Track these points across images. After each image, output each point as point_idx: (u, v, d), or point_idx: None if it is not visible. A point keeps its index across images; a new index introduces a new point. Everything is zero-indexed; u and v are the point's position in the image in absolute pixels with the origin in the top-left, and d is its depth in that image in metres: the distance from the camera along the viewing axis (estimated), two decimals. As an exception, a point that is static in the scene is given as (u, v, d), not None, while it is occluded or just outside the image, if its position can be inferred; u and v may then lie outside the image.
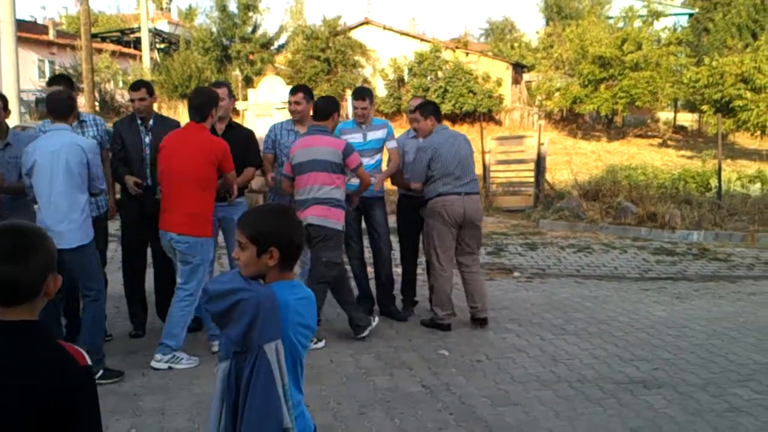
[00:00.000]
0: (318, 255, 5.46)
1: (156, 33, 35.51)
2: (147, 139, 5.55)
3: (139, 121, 5.58)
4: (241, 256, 2.24)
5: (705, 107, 24.27)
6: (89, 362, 1.75)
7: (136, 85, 5.67)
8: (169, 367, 4.91)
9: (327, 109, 5.60)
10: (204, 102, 5.00)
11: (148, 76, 27.05)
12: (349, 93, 7.00)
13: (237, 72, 29.26)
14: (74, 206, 4.58)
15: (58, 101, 4.75)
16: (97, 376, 4.48)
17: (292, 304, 2.18)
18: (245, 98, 14.67)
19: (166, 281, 5.73)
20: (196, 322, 5.51)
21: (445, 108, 28.27)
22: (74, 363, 1.72)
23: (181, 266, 4.99)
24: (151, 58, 32.08)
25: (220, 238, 5.81)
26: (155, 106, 5.92)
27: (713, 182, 13.93)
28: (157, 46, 35.31)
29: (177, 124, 5.79)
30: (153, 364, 4.92)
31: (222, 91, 5.62)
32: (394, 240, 6.54)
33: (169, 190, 4.95)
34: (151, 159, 5.45)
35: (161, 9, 45.66)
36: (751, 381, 4.89)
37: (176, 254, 4.98)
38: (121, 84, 29.70)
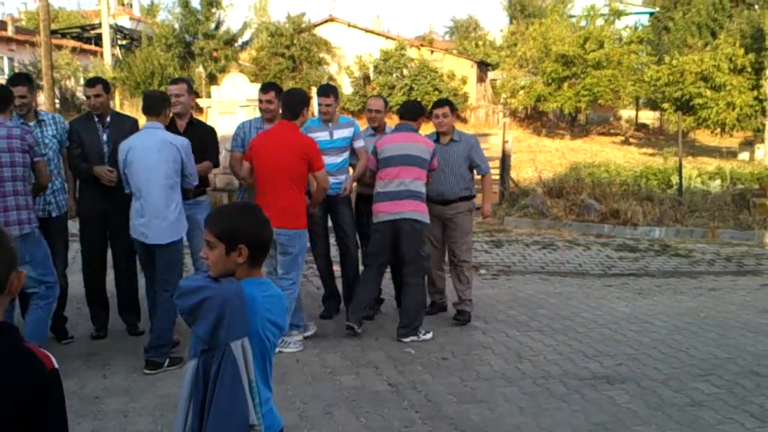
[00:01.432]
0: (417, 249, 5.75)
1: (117, 29, 34.94)
2: (105, 137, 5.44)
3: (96, 119, 5.47)
4: (210, 255, 2.23)
5: (666, 105, 24.69)
6: (56, 365, 1.71)
7: (92, 82, 5.55)
8: (297, 346, 5.36)
9: (414, 109, 6.07)
10: (298, 101, 5.25)
11: (109, 73, 26.60)
12: (314, 91, 6.97)
13: (200, 69, 28.93)
14: (169, 203, 4.87)
15: (152, 99, 5.06)
16: (165, 364, 4.87)
17: (260, 301, 2.18)
18: (209, 95, 14.53)
19: (126, 281, 5.66)
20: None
21: (411, 106, 28.27)
22: (41, 366, 1.68)
23: (282, 258, 5.25)
24: (113, 55, 31.56)
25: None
26: (117, 102, 5.83)
27: (674, 179, 14.16)
28: (119, 42, 34.75)
29: (135, 121, 5.71)
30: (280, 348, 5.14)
31: (180, 88, 5.54)
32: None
33: (265, 187, 5.16)
34: (109, 157, 5.35)
35: (123, 5, 44.92)
36: (711, 375, 4.97)
37: (276, 246, 5.18)
38: (81, 81, 29.17)
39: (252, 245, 2.21)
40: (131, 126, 5.54)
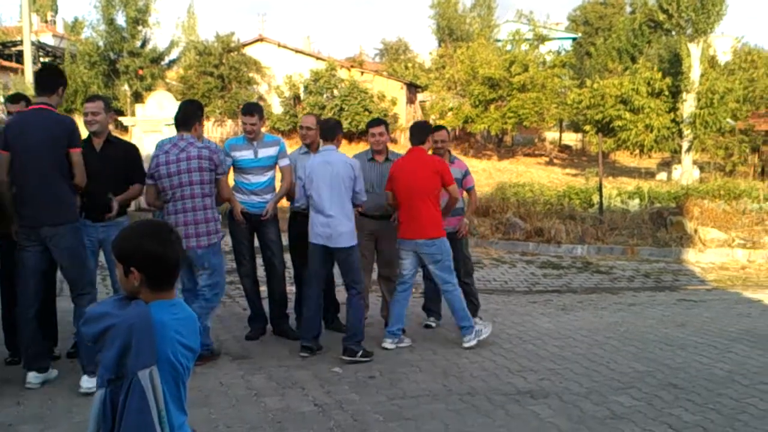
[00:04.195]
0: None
1: (40, 46, 33.90)
2: None
3: None
4: (118, 275, 2.18)
5: (587, 127, 25.47)
6: None
7: (15, 98, 5.47)
8: (477, 342, 5.96)
9: (422, 131, 6.20)
10: (421, 131, 6.13)
11: (30, 91, 25.71)
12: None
13: (126, 87, 28.34)
14: (348, 213, 5.63)
15: (330, 128, 5.81)
16: (358, 355, 5.53)
17: (171, 324, 2.11)
18: (134, 114, 14.25)
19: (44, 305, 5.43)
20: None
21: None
22: None
23: (434, 267, 5.97)
24: (34, 72, 30.59)
25: (103, 258, 5.59)
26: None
27: (595, 198, 14.57)
28: (41, 59, 33.72)
29: None
30: (465, 345, 5.94)
31: (97, 105, 5.35)
32: (287, 258, 6.46)
33: (409, 204, 5.87)
34: None
35: (45, 22, 43.70)
36: (631, 388, 5.10)
37: (421, 257, 5.97)
38: (1, 98, 28.13)
39: (147, 267, 2.13)
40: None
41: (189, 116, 5.35)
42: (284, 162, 6.13)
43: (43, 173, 4.70)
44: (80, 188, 4.92)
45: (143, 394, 2.02)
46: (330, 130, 5.80)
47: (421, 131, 6.18)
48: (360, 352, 5.59)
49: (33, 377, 4.83)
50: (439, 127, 6.87)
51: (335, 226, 5.56)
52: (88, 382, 4.64)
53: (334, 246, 5.61)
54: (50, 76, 5.03)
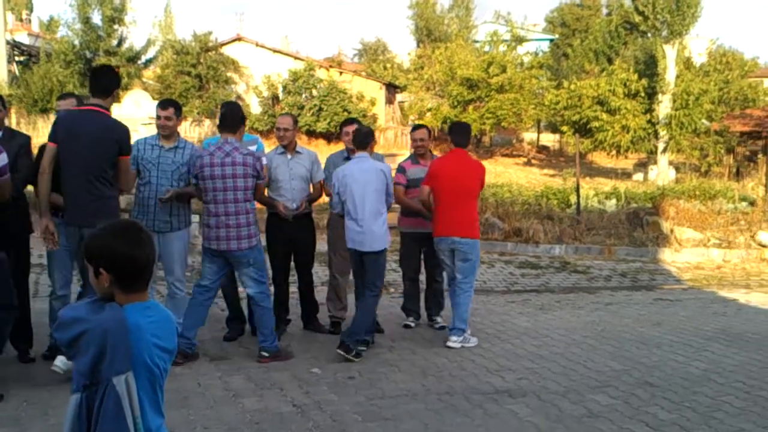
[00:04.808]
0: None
1: (14, 45, 33.50)
2: None
3: None
4: (90, 277, 2.14)
5: (565, 128, 25.62)
6: None
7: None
8: (462, 347, 6.03)
9: (464, 132, 6.45)
10: (463, 132, 6.43)
11: (5, 90, 25.41)
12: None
13: (102, 86, 28.01)
14: (379, 218, 5.83)
15: (363, 136, 5.95)
16: (351, 354, 5.57)
17: (146, 327, 2.08)
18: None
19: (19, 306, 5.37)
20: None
21: (320, 126, 28.40)
22: None
23: (461, 264, 6.12)
24: (9, 71, 30.21)
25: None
26: (14, 120, 5.61)
27: (573, 199, 14.67)
28: (16, 58, 33.31)
29: (28, 138, 5.45)
30: (449, 344, 6.03)
31: (69, 103, 5.37)
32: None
33: (451, 203, 6.06)
34: None
35: (21, 20, 43.15)
36: (608, 387, 5.14)
37: (455, 254, 6.14)
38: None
39: (116, 267, 2.08)
40: (22, 143, 5.29)
41: (236, 120, 5.51)
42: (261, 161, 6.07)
43: (89, 175, 4.79)
44: (124, 192, 5.29)
45: (118, 400, 2.00)
46: (363, 139, 5.94)
47: (463, 132, 6.45)
48: (354, 352, 5.60)
49: (61, 362, 4.80)
50: (419, 126, 6.91)
51: (368, 231, 5.77)
52: (60, 362, 4.75)
53: (366, 250, 5.81)
54: (106, 78, 5.09)
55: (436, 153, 8.34)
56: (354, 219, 5.80)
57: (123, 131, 4.97)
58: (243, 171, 5.34)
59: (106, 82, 5.03)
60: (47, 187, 4.87)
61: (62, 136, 4.83)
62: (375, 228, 5.79)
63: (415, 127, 6.93)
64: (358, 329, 5.72)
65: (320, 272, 8.31)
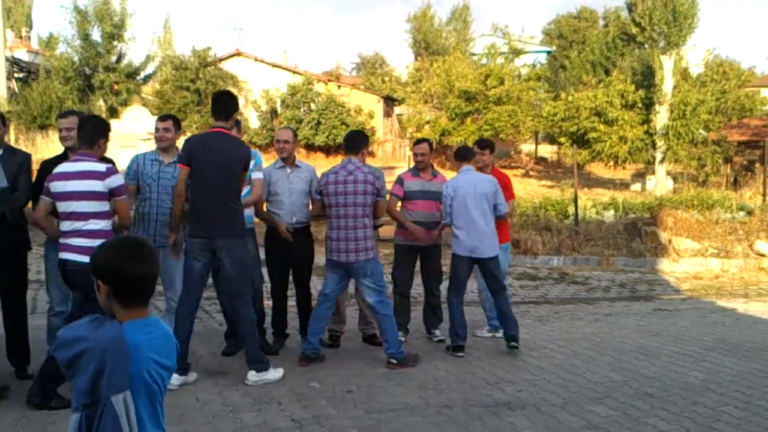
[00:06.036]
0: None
1: (14, 62, 33.61)
2: None
3: None
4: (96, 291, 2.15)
5: (563, 139, 25.65)
6: None
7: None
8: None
9: (466, 153, 6.66)
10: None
11: (4, 107, 25.48)
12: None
13: (101, 102, 28.11)
14: (492, 226, 6.26)
15: (465, 151, 6.60)
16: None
17: (145, 344, 2.08)
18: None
19: (18, 322, 5.37)
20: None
21: (319, 140, 28.46)
22: None
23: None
24: (9, 88, 30.30)
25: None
26: (13, 137, 5.62)
27: (571, 210, 14.68)
28: (15, 75, 33.41)
29: (28, 156, 5.48)
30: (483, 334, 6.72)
31: (71, 121, 5.35)
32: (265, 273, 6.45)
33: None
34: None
35: (20, 37, 43.26)
36: (607, 398, 5.14)
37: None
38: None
39: (111, 280, 2.09)
40: (22, 161, 5.32)
41: (357, 143, 6.02)
42: (257, 175, 6.03)
43: (221, 191, 5.18)
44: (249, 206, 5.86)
45: (116, 419, 1.99)
46: (466, 153, 6.54)
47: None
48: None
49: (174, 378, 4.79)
50: (422, 140, 6.94)
51: (480, 238, 6.17)
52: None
53: (479, 257, 6.22)
54: (227, 103, 5.50)
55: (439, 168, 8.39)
56: (464, 227, 6.22)
57: (246, 149, 5.47)
58: (364, 188, 5.74)
59: (227, 106, 5.45)
60: (181, 209, 5.28)
61: (195, 158, 5.19)
62: (488, 235, 6.24)
63: (418, 141, 6.97)
64: (512, 329, 6.25)
65: (319, 285, 8.30)
